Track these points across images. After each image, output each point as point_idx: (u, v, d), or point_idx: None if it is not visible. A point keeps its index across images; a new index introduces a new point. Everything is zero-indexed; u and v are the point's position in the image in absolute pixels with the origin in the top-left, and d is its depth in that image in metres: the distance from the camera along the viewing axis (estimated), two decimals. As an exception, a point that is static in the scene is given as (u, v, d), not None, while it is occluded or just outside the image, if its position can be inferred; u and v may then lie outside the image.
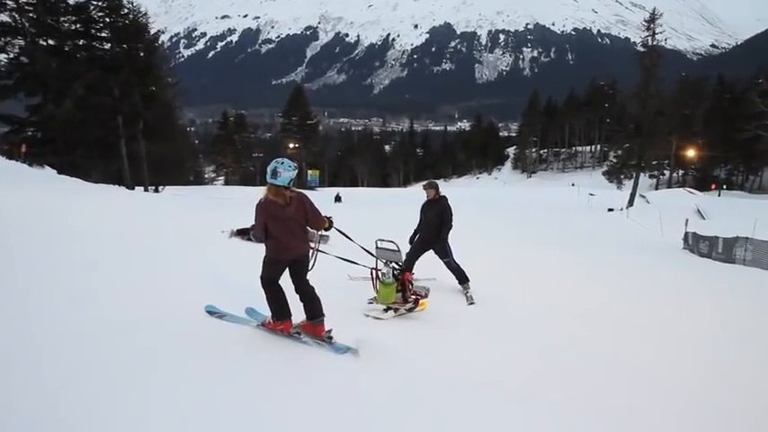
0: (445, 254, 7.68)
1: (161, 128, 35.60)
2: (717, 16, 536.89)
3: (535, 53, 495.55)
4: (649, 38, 39.75)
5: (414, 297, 6.42)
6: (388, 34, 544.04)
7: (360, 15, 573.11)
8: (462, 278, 7.71)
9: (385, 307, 6.24)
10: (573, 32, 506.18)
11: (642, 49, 40.22)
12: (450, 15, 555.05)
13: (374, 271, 6.46)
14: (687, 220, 21.06)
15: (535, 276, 8.96)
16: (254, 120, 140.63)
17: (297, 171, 4.97)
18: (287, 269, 5.04)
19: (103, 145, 31.36)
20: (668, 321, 7.05)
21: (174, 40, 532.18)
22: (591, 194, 45.48)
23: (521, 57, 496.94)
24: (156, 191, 37.24)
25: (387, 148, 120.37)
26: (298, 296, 5.10)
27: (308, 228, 5.11)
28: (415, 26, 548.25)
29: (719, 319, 7.37)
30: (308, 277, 5.12)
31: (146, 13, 35.43)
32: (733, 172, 69.39)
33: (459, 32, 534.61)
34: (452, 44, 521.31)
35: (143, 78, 32.60)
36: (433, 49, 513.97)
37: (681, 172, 72.17)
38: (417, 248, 7.79)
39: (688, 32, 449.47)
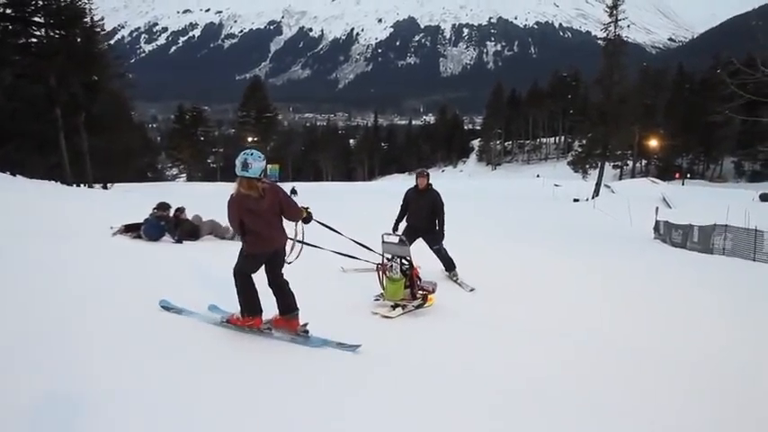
0: (436, 242, 7.65)
1: (106, 120, 33.44)
2: (673, 11, 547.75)
3: (498, 47, 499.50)
4: (612, 24, 39.25)
5: (422, 293, 6.22)
6: (353, 29, 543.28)
7: (323, 10, 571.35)
8: (451, 265, 7.73)
9: (393, 304, 6.04)
10: (535, 26, 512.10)
11: (605, 36, 39.65)
12: (413, 9, 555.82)
13: (380, 266, 6.22)
14: (657, 209, 20.25)
15: (514, 268, 8.42)
16: (218, 116, 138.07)
17: (266, 163, 4.78)
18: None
19: (41, 138, 29.16)
20: (658, 315, 6.47)
21: (134, 34, 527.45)
22: (556, 185, 45.35)
23: (484, 50, 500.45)
24: (105, 188, 35.06)
25: (352, 142, 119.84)
26: (271, 290, 4.91)
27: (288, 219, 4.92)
28: (379, 20, 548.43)
29: (719, 316, 6.38)
30: (284, 271, 4.97)
31: None
32: (694, 161, 70.26)
33: (423, 26, 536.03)
34: (417, 38, 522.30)
35: (83, 67, 30.32)
36: (398, 44, 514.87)
37: (644, 162, 72.89)
38: (409, 238, 7.12)
39: (647, 26, 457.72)
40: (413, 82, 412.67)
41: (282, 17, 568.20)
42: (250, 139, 55.36)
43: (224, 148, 71.54)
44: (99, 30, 36.35)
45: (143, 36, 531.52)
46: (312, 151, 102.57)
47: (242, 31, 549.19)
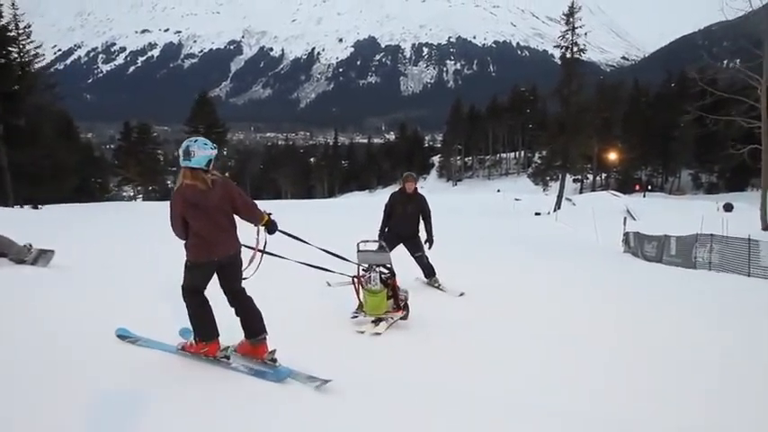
0: (419, 248, 7.47)
1: (33, 134, 30.59)
2: (625, 30, 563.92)
3: (458, 65, 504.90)
4: (569, 32, 38.28)
5: (404, 302, 5.73)
6: (313, 48, 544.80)
7: (284, 29, 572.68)
8: (431, 272, 7.60)
9: (374, 319, 5.52)
10: (494, 45, 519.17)
11: (562, 44, 38.65)
12: (373, 29, 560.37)
13: (356, 279, 5.62)
14: (626, 219, 18.68)
15: (481, 286, 7.80)
16: (177, 135, 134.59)
17: (216, 151, 4.06)
18: (215, 275, 4.17)
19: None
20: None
21: (91, 54, 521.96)
22: (516, 199, 44.53)
23: (444, 69, 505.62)
24: (35, 207, 31.93)
25: (312, 160, 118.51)
26: (233, 309, 4.21)
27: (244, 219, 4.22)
28: (340, 40, 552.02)
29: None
30: (243, 285, 4.26)
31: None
32: (653, 174, 70.67)
33: (383, 46, 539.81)
34: (377, 57, 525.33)
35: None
36: (359, 63, 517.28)
37: (604, 175, 72.87)
38: (389, 245, 6.63)
39: (600, 45, 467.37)
40: (374, 101, 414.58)
41: (243, 37, 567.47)
42: (199, 156, 52.86)
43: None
44: (21, 37, 33.19)
45: (100, 56, 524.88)
46: (271, 170, 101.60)
47: (202, 50, 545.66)
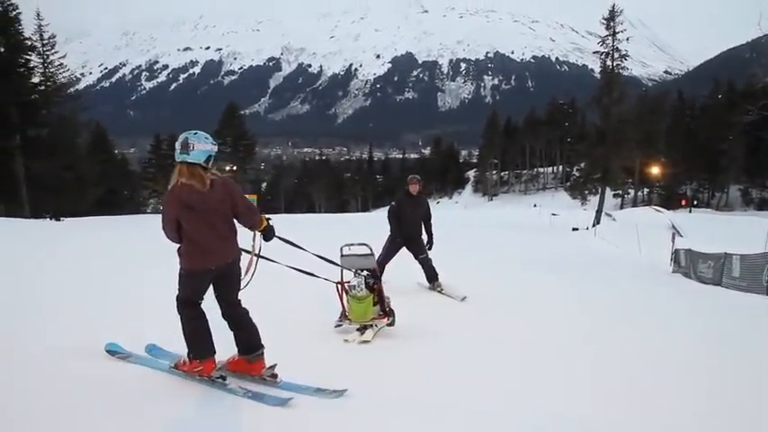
0: (423, 250, 7.55)
1: (53, 145, 30.04)
2: (668, 44, 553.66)
3: (496, 81, 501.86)
4: (610, 37, 36.30)
5: (389, 308, 5.45)
6: (351, 64, 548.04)
7: (322, 46, 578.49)
8: (434, 276, 7.61)
9: (359, 326, 5.26)
10: (532, 60, 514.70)
11: (603, 51, 36.67)
12: (411, 45, 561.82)
13: (340, 285, 5.34)
14: (674, 235, 16.62)
15: (511, 297, 7.65)
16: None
17: (217, 147, 3.74)
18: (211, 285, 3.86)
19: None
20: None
21: (135, 72, 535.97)
22: (553, 215, 42.69)
23: (482, 84, 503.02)
24: (57, 219, 31.33)
25: (348, 175, 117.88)
26: (226, 323, 3.95)
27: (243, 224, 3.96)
28: (378, 56, 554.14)
29: None
30: (240, 297, 3.98)
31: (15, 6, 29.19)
32: (699, 189, 67.43)
33: (420, 62, 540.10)
34: (414, 73, 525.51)
35: (11, 84, 26.86)
36: (396, 79, 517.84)
37: (646, 190, 69.91)
38: (393, 247, 7.53)
39: (642, 59, 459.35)
40: (411, 116, 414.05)
41: (282, 54, 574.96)
42: (228, 168, 52.32)
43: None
44: (46, 47, 32.86)
45: (144, 73, 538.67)
46: (305, 184, 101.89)
47: (242, 67, 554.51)
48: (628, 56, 36.77)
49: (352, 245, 5.69)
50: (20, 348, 4.49)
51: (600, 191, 39.88)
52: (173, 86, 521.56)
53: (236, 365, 3.96)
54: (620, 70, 36.95)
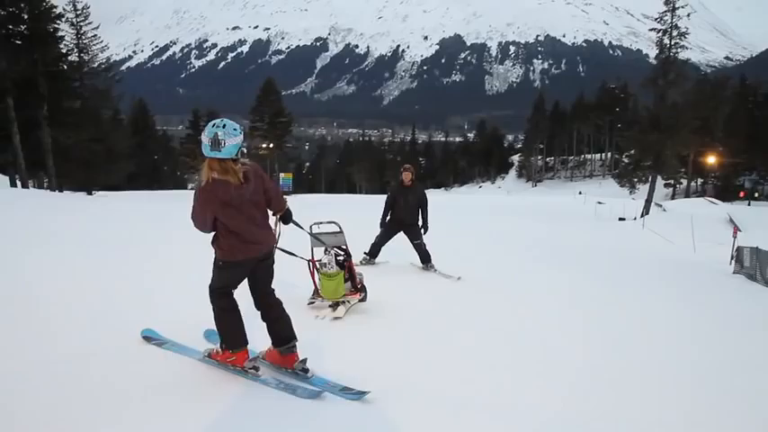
0: (418, 236, 7.84)
1: (80, 116, 29.50)
2: (731, 29, 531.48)
3: (546, 65, 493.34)
4: (668, 13, 33.70)
5: (361, 284, 5.57)
6: (398, 45, 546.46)
7: (370, 27, 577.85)
8: (427, 258, 7.90)
9: (331, 303, 5.32)
10: (584, 44, 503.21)
11: (659, 27, 34.10)
12: (460, 27, 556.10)
13: (311, 263, 5.37)
14: (736, 231, 14.60)
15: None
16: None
17: (243, 136, 3.54)
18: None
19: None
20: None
21: (185, 50, 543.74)
22: (599, 203, 40.61)
23: (531, 68, 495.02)
24: (89, 193, 30.95)
25: (390, 157, 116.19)
26: (260, 313, 3.91)
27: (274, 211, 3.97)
28: (425, 38, 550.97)
29: None
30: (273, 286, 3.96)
31: None
32: (758, 181, 63.46)
33: (469, 44, 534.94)
34: (462, 55, 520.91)
35: (32, 49, 26.13)
36: (443, 61, 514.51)
37: (700, 181, 66.28)
38: (389, 232, 7.97)
39: (701, 45, 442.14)
40: (457, 99, 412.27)
41: (329, 34, 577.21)
42: (264, 145, 51.59)
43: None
44: (79, 18, 32.35)
45: (193, 52, 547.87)
46: (347, 164, 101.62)
47: (289, 47, 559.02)
48: (687, 34, 34.05)
49: (321, 223, 5.83)
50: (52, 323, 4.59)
51: (650, 179, 37.46)
52: (221, 65, 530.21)
53: (270, 357, 3.94)
54: (678, 50, 34.22)
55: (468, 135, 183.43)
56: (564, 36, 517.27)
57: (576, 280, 8.53)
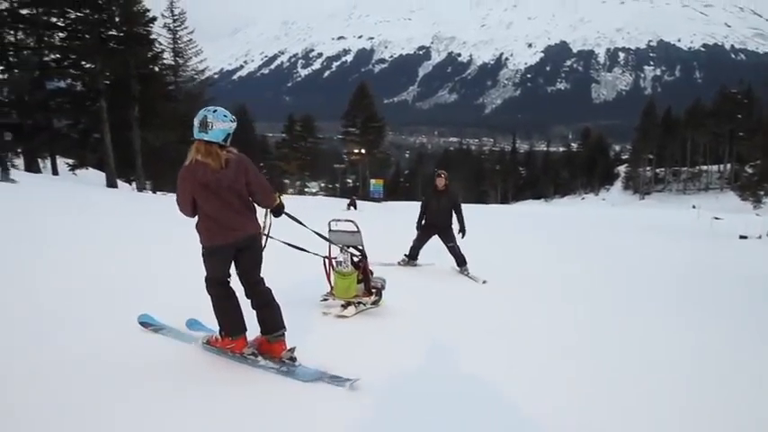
0: (452, 238, 8.16)
1: (167, 117, 30.12)
2: None
3: (658, 71, 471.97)
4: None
5: (377, 289, 5.56)
6: (501, 53, 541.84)
7: (473, 35, 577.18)
8: (462, 261, 8.21)
9: (344, 302, 5.36)
10: (702, 48, 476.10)
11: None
12: (566, 34, 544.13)
13: (327, 260, 5.46)
14: None
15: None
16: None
17: (236, 124, 3.72)
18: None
19: (82, 131, 26.15)
20: None
21: (292, 60, 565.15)
22: (716, 218, 36.82)
23: (642, 75, 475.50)
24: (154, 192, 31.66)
25: (487, 166, 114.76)
26: (250, 302, 3.98)
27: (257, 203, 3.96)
28: (530, 45, 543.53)
29: None
30: (262, 275, 4.01)
31: None
32: None
33: (575, 51, 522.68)
34: (568, 63, 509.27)
35: (126, 51, 26.67)
36: (548, 69, 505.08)
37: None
38: (425, 235, 8.39)
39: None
40: (562, 108, 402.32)
41: (432, 42, 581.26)
42: (356, 151, 51.26)
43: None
44: (176, 24, 33.32)
45: (300, 61, 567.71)
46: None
47: (392, 56, 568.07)
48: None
49: (339, 221, 5.76)
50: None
51: (780, 193, 33.55)
52: (326, 74, 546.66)
53: (258, 345, 3.96)
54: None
55: (572, 145, 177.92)
56: (679, 40, 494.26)
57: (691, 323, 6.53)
